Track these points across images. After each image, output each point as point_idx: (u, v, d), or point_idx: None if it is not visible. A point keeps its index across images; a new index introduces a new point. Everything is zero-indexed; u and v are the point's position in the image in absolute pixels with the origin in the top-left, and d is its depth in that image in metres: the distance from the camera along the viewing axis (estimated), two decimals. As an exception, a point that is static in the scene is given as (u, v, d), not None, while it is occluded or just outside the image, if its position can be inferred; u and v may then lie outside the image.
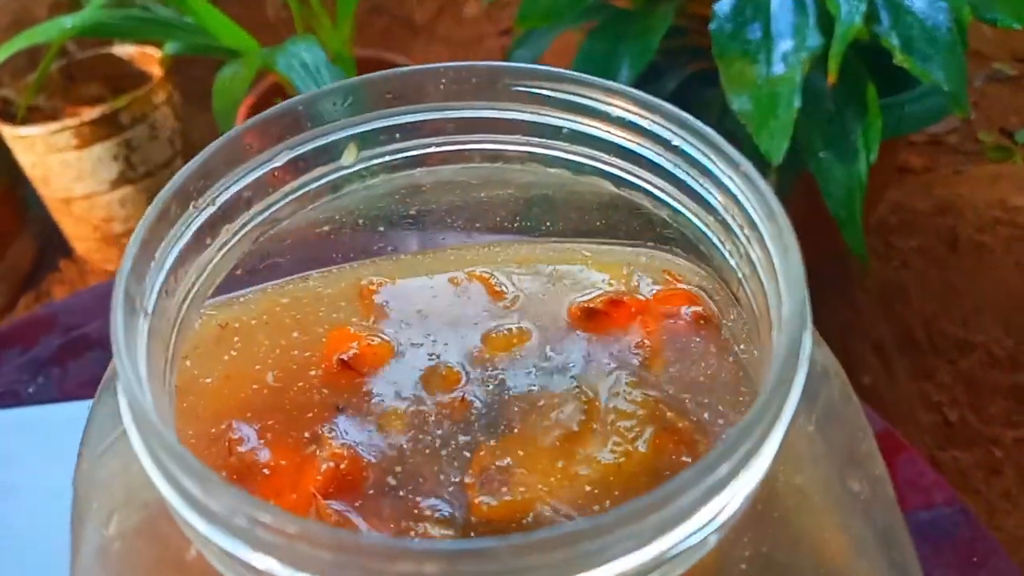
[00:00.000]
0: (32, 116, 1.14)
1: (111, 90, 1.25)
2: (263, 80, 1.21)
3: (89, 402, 0.55)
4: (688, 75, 1.00)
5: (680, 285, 0.25)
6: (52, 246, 1.35)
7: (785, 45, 0.77)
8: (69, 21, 0.97)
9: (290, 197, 0.18)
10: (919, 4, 0.81)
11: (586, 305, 0.24)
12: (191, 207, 0.16)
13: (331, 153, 0.18)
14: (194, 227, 0.16)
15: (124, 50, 1.24)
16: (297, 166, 0.18)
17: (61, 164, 1.14)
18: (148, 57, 1.23)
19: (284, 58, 0.86)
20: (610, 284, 0.25)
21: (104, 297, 0.60)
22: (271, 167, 0.17)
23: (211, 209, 0.16)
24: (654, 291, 0.25)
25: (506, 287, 0.25)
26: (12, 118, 1.15)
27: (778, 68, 0.75)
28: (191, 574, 0.14)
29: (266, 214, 0.18)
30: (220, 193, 0.16)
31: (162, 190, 0.15)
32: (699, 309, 0.24)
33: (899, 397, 1.10)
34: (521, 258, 0.26)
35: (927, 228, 1.27)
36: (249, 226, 0.17)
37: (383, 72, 0.17)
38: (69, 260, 1.34)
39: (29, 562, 0.42)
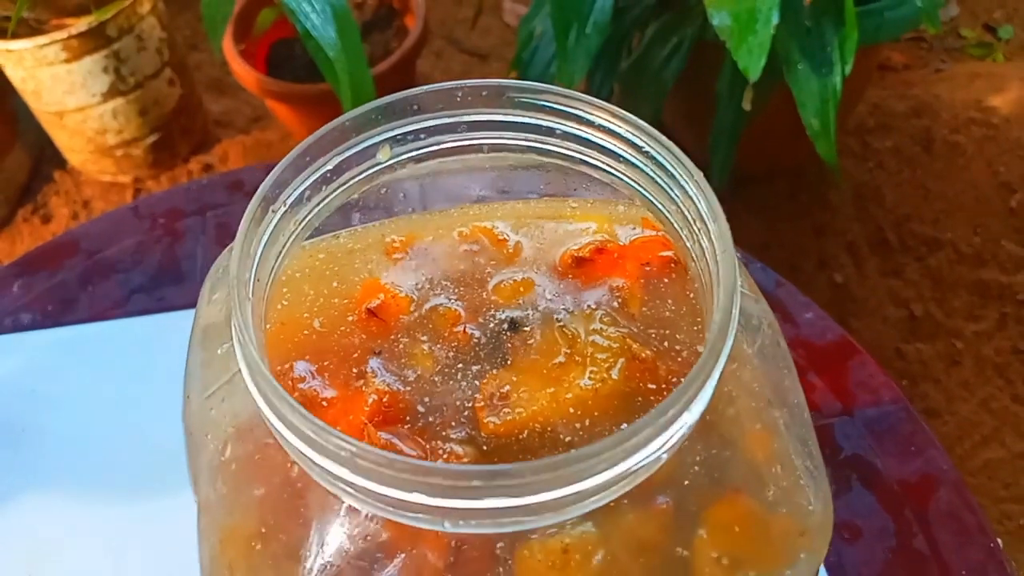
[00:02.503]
0: (17, 29, 1.14)
1: (94, -1, 1.24)
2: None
3: (117, 320, 0.60)
4: (672, -17, 1.01)
5: (655, 232, 0.30)
6: (46, 158, 1.37)
7: (766, -41, 0.78)
8: (52, -67, 0.96)
9: (338, 191, 0.22)
10: (900, -88, 0.82)
11: (576, 254, 0.29)
12: (270, 211, 0.20)
13: (370, 153, 0.22)
14: (272, 225, 0.20)
15: (104, -44, 1.23)
16: (342, 167, 0.22)
17: (52, 78, 1.15)
18: (129, -37, 1.22)
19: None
20: (595, 233, 0.30)
21: (119, 222, 0.64)
22: (324, 171, 0.22)
23: (283, 209, 0.21)
24: (632, 237, 0.30)
25: (507, 235, 0.30)
26: (-3, 31, 1.15)
27: (758, -17, 0.77)
28: (289, 482, 0.20)
29: (320, 205, 0.22)
30: (289, 196, 0.21)
31: (252, 200, 0.19)
32: (670, 253, 0.29)
33: (868, 294, 1.16)
34: (518, 213, 0.30)
35: (903, 129, 1.31)
36: (309, 216, 0.22)
37: (411, 90, 0.22)
38: (64, 171, 1.36)
39: (74, 466, 0.48)
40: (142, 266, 0.59)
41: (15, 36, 1.10)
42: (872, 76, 1.31)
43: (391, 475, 0.16)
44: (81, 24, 1.11)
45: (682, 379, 0.18)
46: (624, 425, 0.20)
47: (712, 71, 0.99)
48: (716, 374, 0.17)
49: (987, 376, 1.09)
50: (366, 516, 0.20)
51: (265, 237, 0.20)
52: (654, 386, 0.26)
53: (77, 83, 1.16)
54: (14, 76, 1.18)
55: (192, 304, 0.62)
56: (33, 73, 1.15)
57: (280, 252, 0.21)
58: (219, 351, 0.22)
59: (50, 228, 1.30)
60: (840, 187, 1.24)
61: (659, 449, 0.17)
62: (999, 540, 0.46)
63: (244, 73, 1.18)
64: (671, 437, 0.17)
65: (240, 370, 0.19)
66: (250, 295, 0.19)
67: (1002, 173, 1.25)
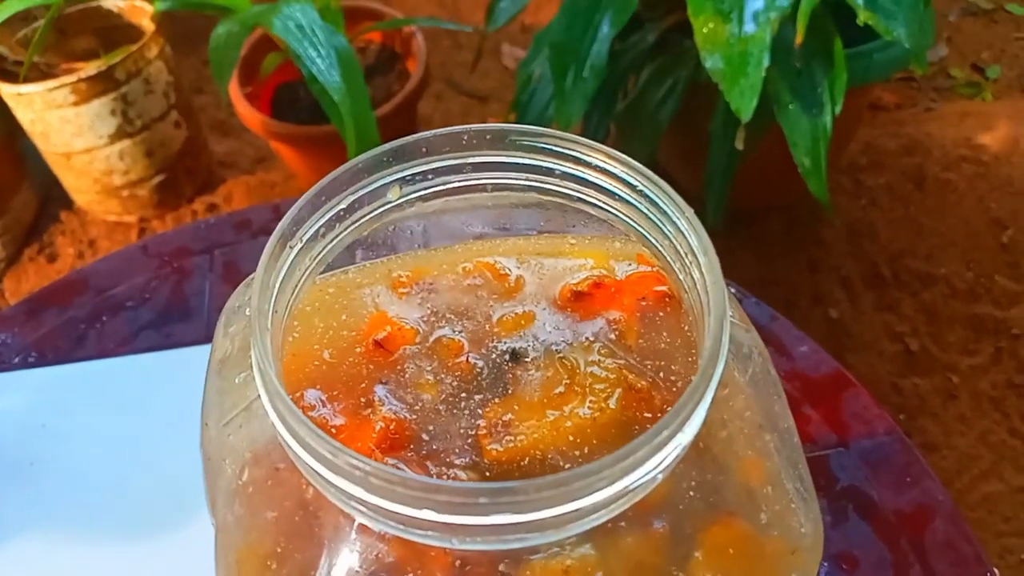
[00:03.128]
0: (28, 73, 1.16)
1: (102, 43, 1.27)
2: (252, 33, 1.23)
3: (126, 357, 0.61)
4: (667, 27, 1.04)
5: (650, 267, 0.31)
6: (53, 199, 1.39)
7: (756, 4, 0.81)
8: (64, -19, 0.99)
9: (351, 228, 0.24)
10: (885, -42, 0.85)
11: (574, 288, 0.30)
12: (288, 247, 0.22)
13: (380, 193, 0.24)
14: (290, 260, 0.22)
15: (113, 3, 1.26)
16: (354, 205, 0.23)
17: (60, 120, 1.17)
18: (137, 9, 1.25)
19: (279, 20, 0.89)
20: (593, 268, 0.31)
21: (129, 260, 0.65)
22: (338, 209, 0.23)
23: (299, 245, 0.22)
24: (628, 272, 0.31)
25: (509, 270, 0.31)
26: (5, 74, 1.17)
27: (749, 27, 0.80)
28: (303, 504, 0.21)
29: (334, 242, 0.24)
30: (305, 233, 0.22)
31: (271, 236, 0.21)
32: (664, 288, 0.30)
33: (864, 329, 1.18)
34: (519, 249, 0.32)
35: (895, 167, 1.33)
36: (323, 252, 0.23)
37: (420, 134, 0.23)
38: (70, 212, 1.38)
39: (83, 500, 0.49)
40: (150, 303, 0.61)
41: (26, 80, 1.13)
42: (863, 115, 1.34)
43: (402, 493, 0.17)
44: (90, 68, 1.14)
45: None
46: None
47: (706, 112, 1.01)
48: (708, 397, 0.18)
49: (984, 410, 1.10)
50: (376, 537, 0.21)
51: (283, 271, 0.22)
52: (650, 415, 0.27)
53: (85, 125, 1.18)
54: (23, 118, 1.20)
55: (200, 340, 0.63)
56: (42, 115, 1.17)
57: (296, 285, 0.23)
58: (236, 380, 0.24)
59: (55, 267, 1.31)
60: (834, 224, 1.26)
61: (655, 469, 0.18)
62: (996, 571, 0.47)
63: (249, 115, 1.21)
64: (666, 457, 0.18)
65: (258, 396, 0.20)
66: (268, 326, 0.20)
67: (993, 209, 1.27)
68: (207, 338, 0.28)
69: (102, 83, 1.15)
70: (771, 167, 1.02)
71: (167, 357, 0.57)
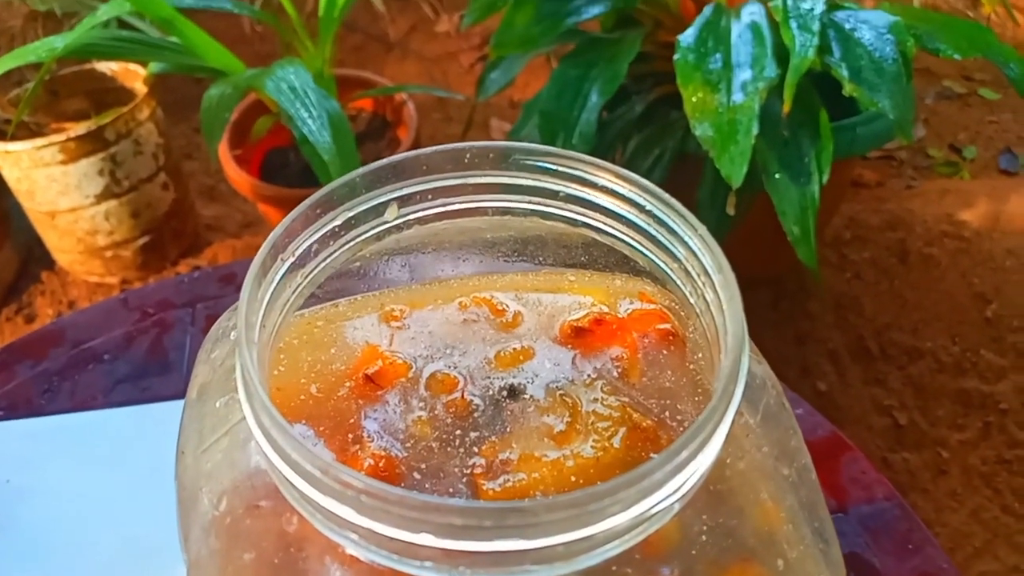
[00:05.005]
0: (16, 131, 1.16)
1: (94, 105, 1.28)
2: (244, 97, 1.24)
3: (99, 411, 0.59)
4: (655, 98, 1.06)
5: (652, 305, 0.30)
6: (34, 258, 1.37)
7: (744, 75, 0.83)
8: (59, 42, 1.00)
9: (345, 247, 0.23)
10: (868, 36, 0.88)
11: (575, 323, 0.29)
12: (279, 259, 0.21)
13: (378, 211, 0.23)
14: (280, 274, 0.21)
15: (107, 66, 1.27)
16: (351, 223, 0.22)
17: (47, 178, 1.17)
18: (130, 73, 1.26)
19: (272, 81, 0.90)
20: (593, 305, 0.30)
21: (108, 313, 0.64)
22: (333, 226, 0.22)
23: (291, 259, 0.21)
24: (630, 310, 0.30)
25: (507, 305, 0.30)
26: (-5, 132, 1.18)
27: (738, 97, 0.81)
28: (286, 538, 0.19)
29: (328, 260, 0.22)
30: (298, 247, 0.21)
31: (261, 247, 0.20)
32: (667, 326, 0.29)
33: (852, 402, 1.17)
34: (516, 284, 0.31)
35: (879, 241, 1.34)
36: (315, 271, 0.22)
37: (421, 150, 0.22)
38: (51, 272, 1.36)
39: (45, 561, 0.46)
40: (128, 357, 0.59)
41: (14, 138, 1.13)
42: (846, 191, 1.36)
43: (398, 514, 0.16)
44: (80, 127, 1.14)
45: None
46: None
47: (693, 181, 1.02)
48: (730, 415, 0.17)
49: (975, 486, 1.08)
50: (366, 571, 0.19)
51: (273, 285, 0.20)
52: (656, 455, 0.25)
53: (72, 184, 1.18)
54: (9, 176, 1.20)
55: (179, 395, 0.61)
56: (28, 173, 1.16)
57: (286, 303, 0.21)
58: (217, 404, 0.22)
59: (33, 328, 1.29)
60: (820, 296, 1.26)
61: (673, 494, 0.17)
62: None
63: (238, 177, 1.21)
64: (686, 481, 0.17)
65: (241, 419, 0.18)
66: (256, 339, 0.19)
67: (976, 284, 1.28)
68: (186, 393, 0.27)
69: (91, 143, 1.15)
70: (758, 239, 1.03)
71: (143, 412, 0.55)
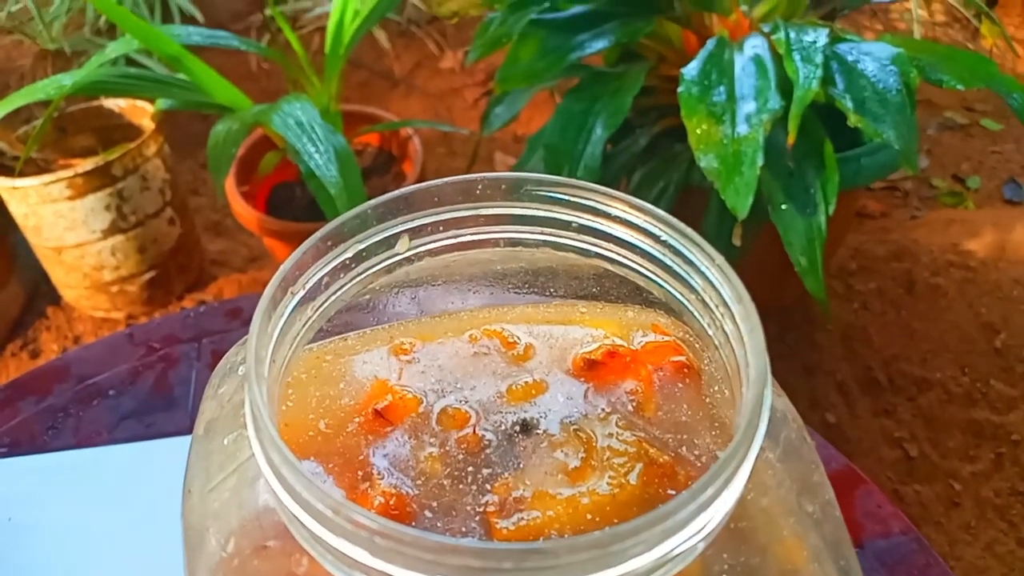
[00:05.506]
0: (24, 167, 1.17)
1: (101, 142, 1.28)
2: (251, 133, 1.25)
3: (102, 448, 0.59)
4: (658, 131, 1.06)
5: (666, 337, 0.29)
6: (40, 294, 1.37)
7: (748, 107, 0.83)
8: (68, 79, 1.01)
9: (356, 279, 0.22)
10: (871, 68, 0.88)
11: (588, 356, 0.29)
12: (289, 292, 0.20)
13: (389, 243, 0.22)
14: (291, 307, 0.20)
15: (114, 103, 1.28)
16: (362, 255, 0.22)
17: (54, 214, 1.17)
18: (138, 110, 1.27)
19: (279, 117, 0.90)
20: (606, 337, 0.30)
21: (113, 348, 0.63)
22: (343, 258, 0.22)
23: (302, 292, 0.21)
24: (644, 342, 0.29)
25: (518, 338, 0.29)
26: (2, 168, 1.18)
27: (742, 128, 0.81)
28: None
29: (339, 293, 0.22)
30: (308, 280, 0.21)
31: (271, 281, 0.19)
32: (682, 359, 0.29)
33: (862, 434, 1.15)
34: (527, 317, 0.30)
35: (885, 272, 1.34)
36: (325, 304, 0.22)
37: (433, 181, 0.22)
38: (57, 307, 1.36)
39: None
40: (134, 392, 0.58)
41: (22, 174, 1.13)
42: (851, 221, 1.36)
43: (413, 556, 0.15)
44: (87, 163, 1.15)
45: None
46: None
47: (698, 213, 1.02)
48: (755, 449, 0.17)
49: (989, 519, 1.07)
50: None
51: (283, 319, 0.20)
52: (674, 492, 0.25)
53: (78, 220, 1.18)
54: (17, 212, 1.20)
55: (184, 431, 0.61)
56: (36, 209, 1.17)
57: (296, 336, 0.21)
58: (225, 441, 0.22)
59: (37, 363, 1.28)
60: (828, 328, 1.26)
61: (698, 533, 0.16)
62: None
63: (244, 212, 1.21)
64: (711, 520, 0.16)
65: (250, 456, 0.18)
66: (265, 374, 0.19)
67: (984, 314, 1.27)
68: (191, 429, 0.26)
69: (98, 178, 1.15)
70: (765, 270, 1.02)
71: (147, 448, 0.54)
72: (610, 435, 0.26)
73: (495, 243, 0.24)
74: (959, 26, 1.82)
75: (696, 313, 0.22)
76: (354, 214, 0.21)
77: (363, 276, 0.23)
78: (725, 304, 0.20)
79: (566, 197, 0.23)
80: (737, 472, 0.17)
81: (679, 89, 0.86)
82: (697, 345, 0.28)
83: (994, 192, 1.52)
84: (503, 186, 0.23)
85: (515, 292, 0.29)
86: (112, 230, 1.21)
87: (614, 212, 0.22)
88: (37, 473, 0.53)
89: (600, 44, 1.00)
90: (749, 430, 0.17)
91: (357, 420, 0.27)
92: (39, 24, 1.63)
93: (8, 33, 1.69)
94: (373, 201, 0.22)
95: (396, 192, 0.22)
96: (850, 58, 0.88)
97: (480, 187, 0.23)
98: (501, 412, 0.27)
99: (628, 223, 0.22)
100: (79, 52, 1.58)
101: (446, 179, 0.22)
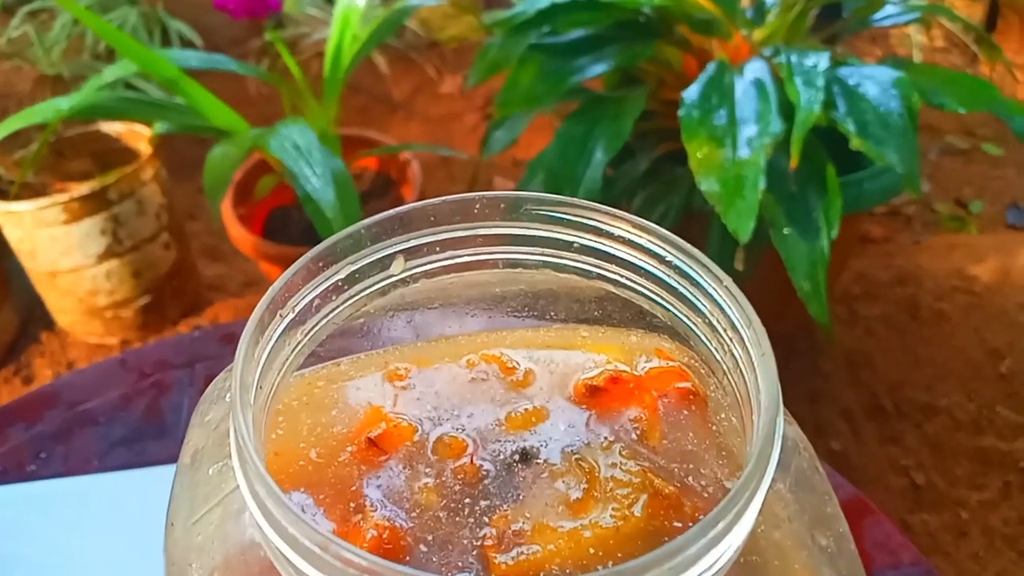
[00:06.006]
0: (20, 191, 1.17)
1: (98, 166, 1.28)
2: (248, 157, 1.25)
3: (91, 476, 0.57)
4: (659, 155, 1.06)
5: (671, 362, 0.28)
6: (34, 319, 1.36)
7: (749, 130, 0.82)
8: (65, 103, 1.00)
9: (348, 302, 0.21)
10: (873, 91, 0.88)
11: (589, 383, 0.28)
12: (278, 315, 0.19)
13: (383, 264, 0.21)
14: (279, 330, 0.19)
15: (112, 127, 1.28)
16: (355, 276, 0.21)
17: (49, 238, 1.16)
18: (135, 134, 1.27)
19: (276, 140, 0.90)
20: (608, 363, 0.28)
21: (105, 373, 0.62)
22: (335, 280, 0.21)
23: (291, 315, 0.20)
24: (648, 368, 0.28)
25: (517, 364, 0.28)
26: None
27: (743, 152, 0.81)
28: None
29: (329, 317, 0.21)
30: (298, 303, 0.20)
31: (259, 303, 0.18)
32: (688, 385, 0.27)
33: (868, 461, 1.14)
34: (527, 341, 0.29)
35: (889, 297, 1.33)
36: (316, 328, 0.21)
37: (429, 200, 0.21)
38: (51, 333, 1.35)
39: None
40: (124, 419, 0.57)
41: (17, 198, 1.13)
42: (854, 246, 1.35)
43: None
44: (83, 187, 1.14)
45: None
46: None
47: (699, 238, 1.01)
48: (767, 479, 0.16)
49: (998, 548, 1.05)
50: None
51: (271, 343, 0.19)
52: (680, 524, 0.24)
53: (73, 244, 1.17)
54: (12, 236, 1.19)
55: (175, 459, 0.59)
56: (31, 234, 1.16)
57: (285, 362, 0.20)
58: (210, 471, 0.21)
59: (30, 389, 1.27)
60: (832, 354, 1.24)
61: (708, 569, 0.15)
62: None
63: (241, 236, 1.20)
64: (720, 556, 0.15)
65: (235, 488, 0.17)
66: (251, 401, 0.18)
67: (989, 340, 1.26)
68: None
69: (94, 203, 1.15)
70: (767, 296, 1.01)
71: (136, 477, 0.53)
72: (613, 465, 0.25)
73: (494, 264, 0.23)
74: (958, 52, 1.82)
75: (703, 337, 0.21)
76: (347, 234, 0.20)
77: (356, 299, 0.22)
78: (734, 328, 0.19)
79: (567, 217, 0.22)
80: (749, 504, 0.16)
81: (680, 112, 0.85)
82: (703, 371, 0.27)
83: (997, 217, 1.51)
84: (502, 205, 0.22)
85: (514, 316, 0.28)
86: (107, 254, 1.20)
87: (617, 232, 0.21)
88: (24, 502, 0.52)
89: (600, 68, 1.00)
90: (761, 459, 0.16)
91: (349, 449, 0.26)
92: (39, 49, 1.63)
93: (7, 58, 1.70)
94: (367, 220, 0.21)
95: (391, 211, 0.21)
96: (851, 82, 0.87)
97: (478, 206, 0.22)
98: (500, 441, 0.26)
99: (632, 243, 0.21)
100: (78, 77, 1.58)
101: (443, 197, 0.21)
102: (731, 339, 0.19)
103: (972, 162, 1.65)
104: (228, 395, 0.22)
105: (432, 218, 0.22)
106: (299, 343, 0.21)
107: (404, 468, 0.25)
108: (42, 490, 0.52)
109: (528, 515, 0.24)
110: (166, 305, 1.32)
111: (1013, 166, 1.61)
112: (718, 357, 0.20)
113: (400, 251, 0.22)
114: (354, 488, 0.24)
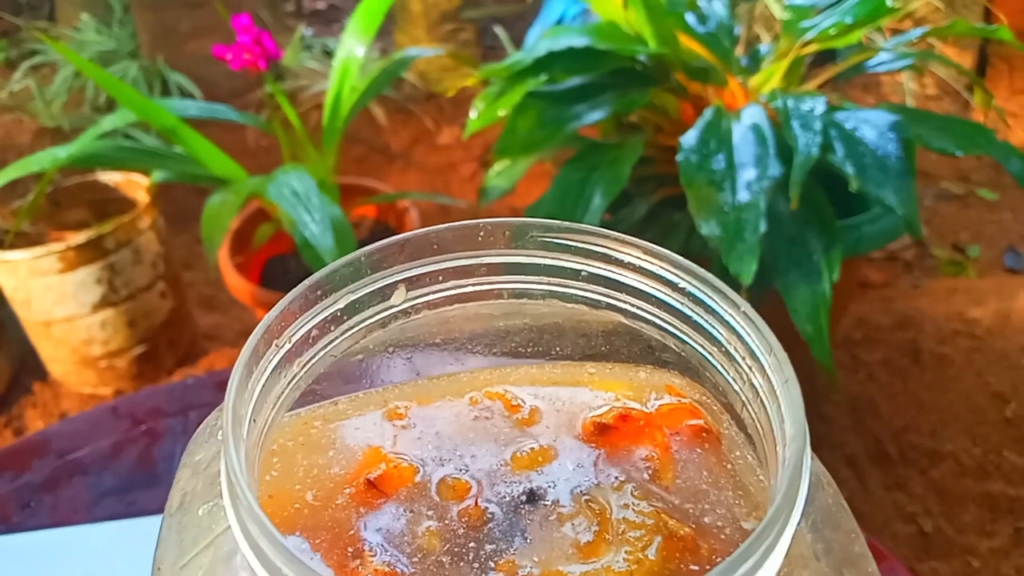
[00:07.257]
0: (16, 241, 1.16)
1: (96, 215, 1.28)
2: (246, 205, 1.25)
3: (79, 527, 0.56)
4: (657, 201, 1.06)
5: (682, 399, 0.27)
6: (27, 369, 1.34)
7: (748, 174, 0.82)
8: (63, 152, 1.00)
9: (347, 333, 0.21)
10: (870, 135, 0.88)
11: (598, 420, 0.27)
12: (274, 345, 0.18)
13: (384, 294, 0.21)
14: (275, 361, 0.18)
15: (109, 177, 1.28)
16: (355, 306, 0.20)
17: (43, 288, 1.15)
18: (133, 183, 1.27)
19: (274, 186, 0.89)
20: (617, 400, 0.27)
21: (96, 422, 0.61)
22: (333, 310, 0.20)
23: (287, 346, 0.19)
24: (658, 405, 0.27)
25: (522, 401, 0.27)
26: (-6, 242, 1.17)
27: (743, 195, 0.81)
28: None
29: (326, 348, 0.20)
30: (295, 333, 0.19)
31: (254, 332, 0.18)
32: (700, 422, 0.26)
33: (874, 508, 1.11)
34: (532, 378, 0.28)
35: (890, 342, 1.32)
36: (314, 360, 0.20)
37: (430, 228, 0.20)
38: (43, 383, 1.33)
39: None
40: (115, 468, 0.56)
41: (13, 247, 1.12)
42: (854, 291, 1.35)
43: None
44: (80, 236, 1.14)
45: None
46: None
47: (700, 281, 1.01)
48: (794, 521, 0.15)
49: (1012, 598, 1.02)
50: None
51: (265, 374, 0.18)
52: (697, 567, 0.22)
53: (68, 293, 1.16)
54: (6, 285, 1.18)
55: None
56: (25, 283, 1.15)
57: (280, 395, 0.19)
58: (200, 512, 0.19)
59: (20, 441, 1.25)
60: (835, 399, 1.23)
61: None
62: None
63: (237, 285, 1.19)
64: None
65: (226, 528, 0.16)
66: (244, 435, 0.17)
67: (992, 384, 1.25)
68: None
69: (90, 252, 1.14)
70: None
71: (126, 527, 0.52)
72: (625, 506, 0.24)
73: (498, 295, 0.22)
74: (950, 99, 1.84)
75: (720, 367, 0.20)
76: (346, 262, 0.20)
77: (355, 330, 0.21)
78: (753, 355, 0.18)
79: (575, 244, 0.21)
80: (778, 541, 0.15)
81: (678, 157, 0.86)
82: (715, 408, 0.26)
83: (994, 261, 1.51)
84: (507, 232, 0.21)
85: (519, 351, 0.27)
86: (102, 304, 1.19)
87: (627, 259, 0.21)
88: (8, 554, 0.50)
89: (597, 115, 1.00)
90: (789, 494, 0.15)
91: (348, 491, 0.24)
92: (40, 103, 1.65)
93: (9, 111, 1.71)
94: (367, 248, 0.20)
95: (392, 239, 0.20)
96: (848, 125, 0.88)
97: (482, 233, 0.21)
98: (505, 482, 0.25)
99: (643, 271, 0.20)
100: (78, 129, 1.59)
101: (446, 224, 0.21)
102: (750, 367, 0.18)
103: (968, 207, 1.65)
104: (219, 433, 0.21)
105: (435, 246, 0.21)
106: (295, 376, 0.20)
107: (405, 511, 0.24)
108: (28, 541, 0.51)
109: (536, 559, 0.23)
110: (161, 355, 1.31)
111: (1009, 210, 1.62)
112: (736, 387, 0.19)
113: (401, 280, 0.21)
114: (352, 532, 0.23)
